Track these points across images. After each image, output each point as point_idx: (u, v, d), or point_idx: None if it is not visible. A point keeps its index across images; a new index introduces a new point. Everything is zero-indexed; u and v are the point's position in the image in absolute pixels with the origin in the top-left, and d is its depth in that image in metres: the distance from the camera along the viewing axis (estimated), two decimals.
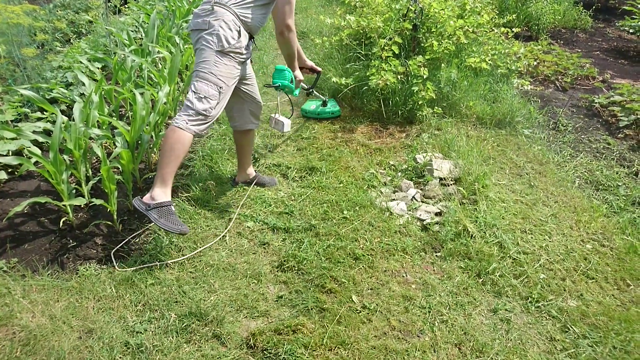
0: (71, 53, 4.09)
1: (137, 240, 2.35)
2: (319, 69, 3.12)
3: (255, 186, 2.82)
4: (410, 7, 3.81)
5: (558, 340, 1.91)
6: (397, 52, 3.72)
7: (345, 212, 2.61)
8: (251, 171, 2.82)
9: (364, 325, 1.92)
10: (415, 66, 3.61)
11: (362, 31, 4.15)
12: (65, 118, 2.71)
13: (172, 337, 1.81)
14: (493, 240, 2.42)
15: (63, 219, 2.40)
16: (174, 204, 2.31)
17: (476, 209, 2.64)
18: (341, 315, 1.94)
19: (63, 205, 2.35)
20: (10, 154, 2.71)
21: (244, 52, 2.31)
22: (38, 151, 2.51)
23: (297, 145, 3.40)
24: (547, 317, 2.02)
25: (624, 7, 6.62)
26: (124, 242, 2.31)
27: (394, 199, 2.79)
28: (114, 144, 2.78)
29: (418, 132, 3.58)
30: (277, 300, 2.03)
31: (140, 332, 1.82)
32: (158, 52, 3.86)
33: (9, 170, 2.77)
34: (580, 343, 1.89)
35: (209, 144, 3.28)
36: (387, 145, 3.44)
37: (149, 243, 2.31)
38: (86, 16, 5.61)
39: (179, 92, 3.57)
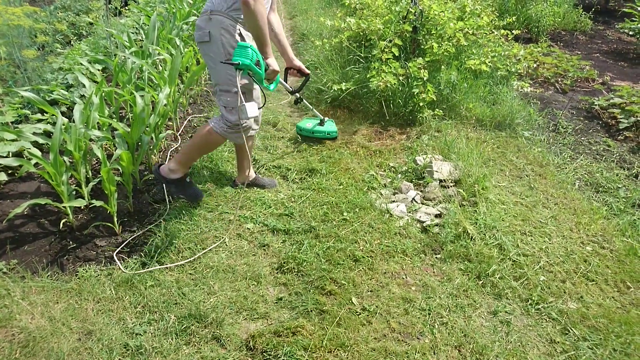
0: (72, 55, 4.09)
1: (137, 241, 2.34)
2: (308, 71, 2.82)
3: (255, 188, 2.82)
4: (410, 9, 3.82)
5: (558, 342, 1.90)
6: (397, 54, 3.73)
7: (345, 213, 2.61)
8: (251, 173, 2.82)
9: (364, 327, 1.92)
10: (415, 68, 3.62)
11: (362, 33, 4.16)
12: (66, 119, 2.71)
13: (172, 339, 1.80)
14: (493, 242, 2.42)
15: (63, 221, 2.39)
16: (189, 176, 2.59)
17: (476, 210, 2.64)
18: (341, 317, 1.94)
19: (63, 206, 2.34)
20: (11, 155, 2.71)
21: None
22: (38, 153, 2.51)
23: (297, 147, 3.40)
24: (547, 320, 2.01)
25: (624, 9, 6.64)
26: (124, 243, 2.31)
27: (393, 201, 2.79)
28: (114, 146, 2.78)
29: (418, 134, 3.58)
30: (276, 302, 2.03)
31: (140, 334, 1.81)
32: (158, 54, 3.86)
33: (9, 172, 2.77)
34: (581, 345, 1.88)
35: None
36: (387, 147, 3.44)
37: (149, 244, 2.31)
38: (87, 18, 5.62)
39: (179, 94, 3.57)
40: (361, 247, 2.37)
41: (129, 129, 2.65)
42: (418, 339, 1.89)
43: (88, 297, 1.97)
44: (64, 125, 2.49)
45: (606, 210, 2.79)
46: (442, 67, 3.86)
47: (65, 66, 3.86)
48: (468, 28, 3.98)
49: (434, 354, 1.82)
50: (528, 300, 2.10)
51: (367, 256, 2.31)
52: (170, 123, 3.56)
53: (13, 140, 2.73)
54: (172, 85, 3.24)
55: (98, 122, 2.75)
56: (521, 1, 6.61)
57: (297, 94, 2.98)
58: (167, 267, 2.17)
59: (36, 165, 2.68)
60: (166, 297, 2.00)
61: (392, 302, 2.05)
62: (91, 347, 1.74)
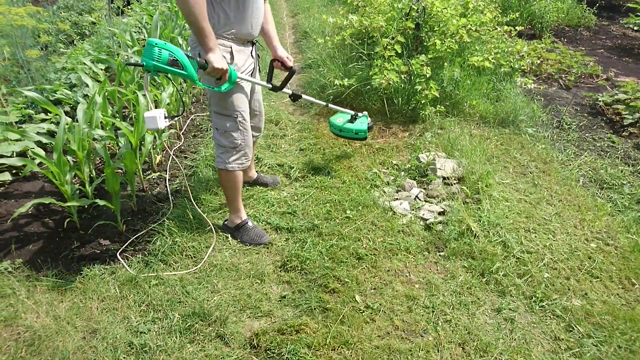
0: (75, 54, 4.11)
1: (140, 240, 2.35)
2: (292, 64, 2.37)
3: (257, 186, 2.82)
4: (412, 6, 3.80)
5: (562, 339, 1.90)
6: (399, 51, 3.71)
7: (348, 211, 2.61)
8: (252, 173, 2.80)
9: (368, 325, 1.92)
10: (418, 65, 3.60)
11: (364, 30, 4.15)
12: (69, 119, 2.73)
13: (176, 337, 1.81)
14: (497, 240, 2.41)
15: (67, 220, 2.40)
16: (249, 218, 2.47)
17: (480, 208, 2.63)
18: (344, 315, 1.94)
19: (67, 206, 2.36)
20: (15, 155, 2.73)
21: (245, 69, 2.15)
22: (42, 152, 2.52)
23: (299, 145, 3.40)
24: (552, 317, 2.01)
25: (628, 4, 6.58)
26: (127, 242, 2.32)
27: (397, 199, 2.79)
28: (118, 145, 2.79)
29: (421, 131, 3.57)
30: (280, 300, 2.03)
31: (144, 332, 1.82)
32: None
33: (13, 172, 2.79)
34: (585, 342, 1.88)
35: (212, 144, 3.28)
36: (390, 144, 3.43)
37: (152, 243, 2.32)
38: (89, 17, 5.63)
39: (182, 93, 3.58)
40: (364, 245, 2.37)
41: (132, 129, 2.66)
42: (422, 336, 1.88)
43: (92, 296, 1.98)
44: (67, 124, 2.51)
45: (611, 206, 2.77)
46: (445, 64, 3.84)
47: (68, 66, 3.88)
48: (471, 24, 3.96)
49: (438, 351, 1.82)
50: (532, 298, 2.09)
51: (371, 254, 2.31)
52: (174, 122, 3.56)
53: (17, 140, 2.74)
54: (175, 84, 3.24)
55: (101, 122, 2.75)
56: None
57: (286, 90, 2.43)
58: (172, 268, 2.18)
59: (40, 164, 2.70)
60: (170, 295, 2.01)
61: (395, 300, 2.05)
62: (96, 345, 1.75)
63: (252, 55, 2.21)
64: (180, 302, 1.98)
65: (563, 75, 4.87)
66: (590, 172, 3.16)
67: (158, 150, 3.05)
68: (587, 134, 3.70)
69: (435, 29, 3.93)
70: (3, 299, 1.90)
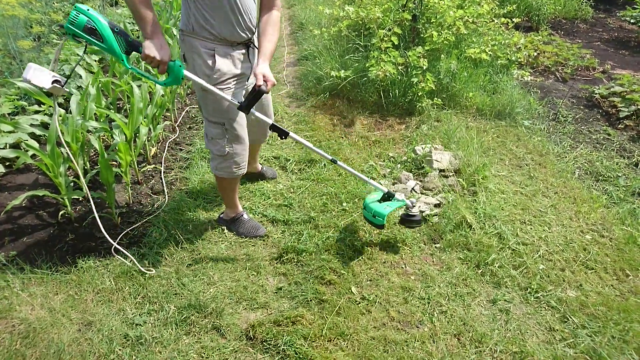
0: (68, 45, 4.05)
1: (136, 232, 2.34)
2: (260, 82, 1.86)
3: (255, 179, 2.81)
4: None
5: (557, 330, 1.91)
6: (396, 43, 3.69)
7: (344, 204, 2.61)
8: (257, 166, 2.78)
9: (363, 316, 1.92)
10: (414, 57, 3.58)
11: (361, 22, 4.12)
12: (63, 111, 2.70)
13: (172, 329, 1.81)
14: (492, 232, 2.42)
15: (61, 212, 2.39)
16: (244, 212, 2.44)
17: (476, 200, 2.64)
18: (340, 306, 1.94)
19: (61, 198, 2.34)
20: (8, 147, 2.70)
21: (230, 75, 1.95)
22: (35, 144, 2.50)
23: None
24: (546, 308, 2.02)
25: None
26: (122, 234, 2.31)
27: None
28: (112, 137, 2.77)
29: (417, 123, 3.56)
30: (276, 292, 2.03)
31: (140, 324, 1.82)
32: None
33: (7, 164, 2.76)
34: (579, 333, 1.89)
35: None
36: (387, 137, 3.42)
37: (147, 236, 2.30)
38: None
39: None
40: (360, 237, 2.37)
41: (127, 120, 2.63)
42: (417, 327, 1.89)
43: (87, 288, 1.97)
44: (60, 116, 2.48)
45: (606, 198, 2.78)
46: (442, 55, 3.83)
47: (61, 57, 3.83)
48: (468, 16, 3.94)
49: (434, 342, 1.83)
50: (527, 289, 2.10)
51: (367, 246, 2.31)
52: (168, 114, 3.53)
53: (10, 132, 2.71)
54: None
55: (95, 113, 2.73)
56: None
57: (257, 114, 2.01)
58: (168, 260, 2.17)
59: (33, 156, 2.67)
60: (166, 287, 2.00)
61: (391, 291, 2.05)
62: (91, 337, 1.75)
63: (248, 59, 2.02)
64: (176, 294, 1.97)
65: (560, 68, 4.86)
66: (585, 164, 3.17)
67: (153, 142, 3.02)
68: (583, 127, 3.71)
69: (432, 21, 3.91)
70: None
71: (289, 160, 3.04)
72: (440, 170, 2.93)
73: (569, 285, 2.14)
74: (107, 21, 1.70)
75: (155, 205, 2.55)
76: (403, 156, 3.15)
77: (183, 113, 3.67)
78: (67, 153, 2.56)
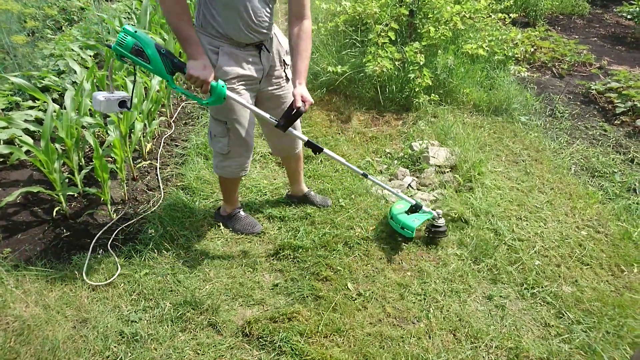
0: (62, 40, 4.02)
1: (131, 229, 2.33)
2: (299, 104, 1.84)
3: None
4: None
5: (552, 326, 1.92)
6: (393, 38, 3.68)
7: (341, 200, 2.60)
8: (302, 188, 2.56)
9: (360, 312, 1.92)
10: (411, 52, 3.57)
11: (358, 17, 4.10)
12: (57, 106, 2.67)
13: (167, 326, 1.80)
14: (488, 227, 2.42)
15: (56, 209, 2.37)
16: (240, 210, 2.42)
17: (472, 196, 2.64)
18: (336, 302, 1.94)
19: (56, 194, 2.32)
20: (2, 142, 2.68)
21: (233, 75, 1.89)
22: (30, 140, 2.47)
23: None
24: (542, 303, 2.03)
25: None
26: (117, 230, 2.30)
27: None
28: (107, 133, 2.75)
29: (414, 119, 3.56)
30: (272, 289, 2.03)
31: (135, 321, 1.81)
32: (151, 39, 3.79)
33: (0, 160, 2.74)
34: (575, 328, 1.90)
35: (203, 133, 3.25)
36: (384, 133, 3.42)
37: (143, 232, 2.29)
38: (78, 3, 5.50)
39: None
40: (357, 233, 2.36)
41: (122, 116, 2.61)
42: (413, 323, 1.89)
43: (82, 285, 1.96)
44: (55, 112, 2.45)
45: (602, 194, 2.79)
46: (439, 51, 3.82)
47: (56, 52, 3.79)
48: (465, 12, 3.92)
49: (429, 338, 1.83)
50: (523, 285, 2.11)
51: (363, 242, 2.31)
52: (164, 110, 3.51)
53: (4, 128, 2.68)
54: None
55: (90, 109, 2.70)
56: None
57: (294, 131, 2.00)
58: (163, 257, 2.16)
59: (28, 152, 2.65)
60: (161, 284, 1.99)
61: (387, 288, 2.05)
62: (86, 334, 1.74)
63: (260, 61, 1.96)
64: (171, 290, 1.97)
65: (556, 64, 4.86)
66: (582, 160, 3.17)
67: (148, 138, 3.00)
68: (579, 122, 3.71)
69: (429, 16, 3.89)
70: None
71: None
72: (437, 166, 2.93)
73: (565, 281, 2.15)
74: (153, 43, 1.73)
75: (151, 202, 2.54)
76: (400, 152, 3.15)
77: (179, 109, 3.64)
78: (61, 149, 2.55)
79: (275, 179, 2.82)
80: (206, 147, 3.04)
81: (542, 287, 2.10)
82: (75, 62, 3.24)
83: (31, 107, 3.08)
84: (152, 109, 2.96)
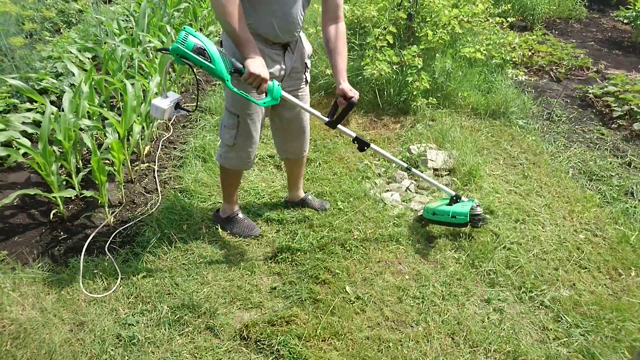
0: (61, 43, 4.01)
1: (129, 232, 2.32)
2: (352, 94, 1.96)
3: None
4: None
5: (551, 329, 1.92)
6: (391, 41, 3.69)
7: (339, 203, 2.60)
8: (299, 193, 2.56)
9: (358, 315, 1.92)
10: (409, 56, 3.58)
11: (356, 20, 4.11)
12: (55, 109, 2.67)
13: (165, 329, 1.79)
14: (486, 231, 2.42)
15: (53, 211, 2.36)
16: (237, 211, 2.41)
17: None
18: (335, 306, 1.94)
19: (53, 197, 2.31)
20: None
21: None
22: (27, 142, 2.47)
23: None
24: (540, 307, 2.03)
25: None
26: (115, 233, 2.29)
27: (388, 190, 2.78)
28: (105, 135, 2.74)
29: (412, 122, 3.56)
30: (270, 292, 2.02)
31: (132, 325, 1.80)
32: (149, 41, 3.80)
33: None
34: (573, 332, 1.90)
35: (201, 135, 3.25)
36: (382, 136, 3.42)
37: (140, 235, 2.29)
38: (76, 5, 5.50)
39: (170, 83, 3.52)
40: (355, 236, 2.36)
41: (120, 118, 2.61)
42: (412, 327, 1.89)
43: (79, 288, 1.95)
44: (53, 114, 2.45)
45: (599, 198, 2.80)
46: (437, 55, 3.83)
47: (54, 54, 3.79)
48: (463, 15, 3.94)
49: (428, 341, 1.83)
50: (521, 288, 2.11)
51: (361, 245, 2.30)
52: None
53: (1, 130, 2.67)
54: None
55: (88, 111, 2.70)
56: None
57: (342, 128, 2.08)
58: (161, 260, 2.15)
59: (25, 155, 2.64)
60: (159, 287, 1.99)
61: (386, 291, 2.05)
62: (83, 338, 1.73)
63: (283, 60, 1.96)
64: (169, 293, 1.96)
65: (554, 67, 4.88)
66: (579, 163, 3.18)
67: (146, 140, 3.00)
68: (577, 126, 3.72)
69: (427, 20, 3.91)
70: None
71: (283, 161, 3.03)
72: (435, 170, 2.94)
73: (563, 285, 2.15)
74: (212, 42, 1.70)
75: (149, 204, 2.53)
76: (398, 155, 3.15)
77: None
78: (59, 151, 2.54)
79: (273, 182, 2.81)
80: (204, 150, 3.04)
81: (540, 291, 2.10)
82: (74, 65, 3.24)
83: (29, 110, 3.07)
84: (150, 112, 2.95)
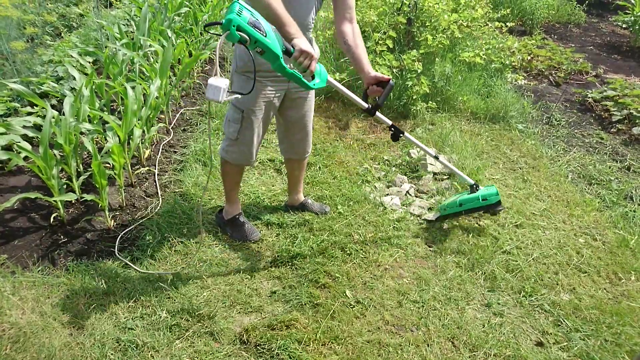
0: (62, 47, 4.03)
1: (129, 235, 2.32)
2: (387, 77, 2.00)
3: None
4: (404, 0, 3.79)
5: (551, 333, 1.92)
6: (391, 46, 3.71)
7: (339, 207, 2.60)
8: (299, 197, 2.57)
9: (358, 320, 1.92)
10: (409, 60, 3.60)
11: None
12: (56, 112, 2.67)
13: (164, 333, 1.79)
14: (486, 235, 2.42)
15: (54, 215, 2.36)
16: (240, 214, 2.41)
17: None
18: (335, 310, 1.94)
19: (54, 200, 2.31)
20: (0, 149, 2.67)
21: (266, 68, 1.84)
22: (28, 146, 2.47)
23: None
24: (540, 311, 2.03)
25: (617, 1, 6.64)
26: (117, 238, 2.29)
27: (388, 194, 2.79)
28: (105, 139, 2.75)
29: (412, 126, 3.57)
30: (270, 296, 2.02)
31: (132, 329, 1.80)
32: (150, 45, 3.81)
33: None
34: (573, 336, 1.90)
35: (201, 139, 3.25)
36: (382, 140, 3.43)
37: (141, 239, 2.29)
38: (77, 9, 5.52)
39: (172, 87, 3.53)
40: (355, 240, 2.36)
41: (120, 122, 2.61)
42: (412, 331, 1.89)
43: (79, 292, 1.95)
44: (53, 118, 2.45)
45: (599, 202, 2.81)
46: (437, 59, 3.85)
47: (55, 58, 3.80)
48: (462, 20, 3.96)
49: (428, 346, 1.82)
50: (521, 292, 2.11)
51: (361, 249, 2.31)
52: (163, 116, 3.52)
53: (2, 134, 2.68)
54: (163, 77, 3.20)
55: (89, 115, 2.70)
56: None
57: (380, 115, 2.14)
58: (161, 264, 2.16)
59: (26, 158, 2.64)
60: (158, 291, 1.98)
61: (385, 295, 2.05)
62: (83, 341, 1.73)
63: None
64: (169, 297, 1.96)
65: (553, 72, 4.90)
66: (579, 168, 3.19)
67: (147, 144, 3.01)
68: (576, 130, 3.73)
69: (427, 24, 3.93)
70: None
71: (284, 163, 3.03)
72: (435, 174, 2.94)
73: (563, 289, 2.15)
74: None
75: (149, 208, 2.54)
76: (398, 159, 3.16)
77: (177, 115, 3.65)
78: (59, 155, 2.55)
79: (273, 186, 2.82)
80: (204, 154, 3.04)
81: (540, 295, 2.10)
82: (75, 69, 3.25)
83: (29, 114, 3.08)
84: (150, 115, 2.96)
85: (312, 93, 2.23)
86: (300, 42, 1.68)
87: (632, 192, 2.90)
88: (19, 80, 3.05)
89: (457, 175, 2.47)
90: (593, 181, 3.05)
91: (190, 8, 4.90)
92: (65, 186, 2.41)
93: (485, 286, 2.14)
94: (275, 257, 2.22)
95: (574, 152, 3.37)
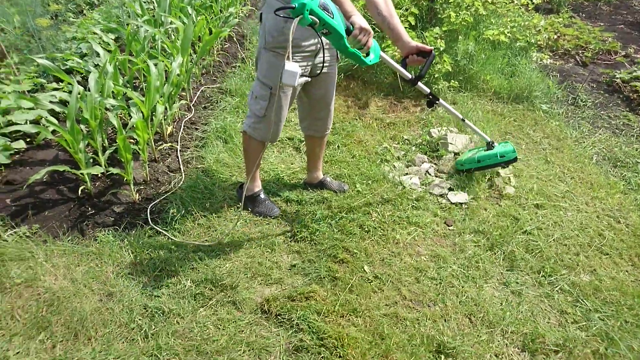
0: (85, 24, 4.07)
1: (153, 209, 2.39)
2: (429, 47, 1.99)
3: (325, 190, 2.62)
4: None
5: (569, 313, 1.92)
6: (413, 23, 3.64)
7: (358, 185, 2.62)
8: (318, 175, 2.58)
9: (375, 294, 1.95)
10: (431, 38, 3.53)
11: None
12: (81, 88, 2.73)
13: (189, 302, 1.86)
14: (506, 215, 2.41)
15: (81, 188, 2.44)
16: (260, 190, 2.46)
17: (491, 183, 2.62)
18: (353, 284, 1.97)
19: (81, 173, 2.39)
20: (28, 123, 2.75)
21: (295, 43, 1.90)
22: (55, 121, 2.54)
23: None
24: (559, 291, 2.02)
25: None
26: (149, 207, 2.36)
27: (407, 173, 2.78)
28: (129, 115, 2.80)
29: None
30: (290, 269, 2.07)
31: (158, 297, 1.87)
32: (171, 22, 3.82)
33: (27, 140, 2.82)
34: (592, 317, 1.90)
35: (222, 117, 3.28)
36: (402, 119, 3.40)
37: (165, 212, 2.35)
38: None
39: (192, 64, 3.55)
40: (374, 218, 2.38)
41: (143, 98, 2.66)
42: (429, 306, 1.92)
43: (108, 261, 2.02)
44: (79, 93, 2.51)
45: (624, 185, 2.75)
46: (460, 37, 3.76)
47: (78, 35, 3.85)
48: None
49: (445, 321, 1.85)
50: (540, 272, 2.11)
51: (380, 227, 2.32)
52: (184, 93, 3.55)
53: (30, 109, 2.76)
54: (184, 54, 3.21)
55: (113, 91, 2.75)
56: None
57: (420, 84, 2.18)
58: (185, 237, 2.22)
59: (54, 132, 2.72)
60: (183, 261, 2.05)
61: (403, 271, 2.07)
62: (112, 307, 1.81)
63: (318, 34, 1.93)
64: (192, 268, 2.02)
65: (580, 51, 4.75)
66: (604, 150, 3.12)
67: (169, 121, 3.05)
68: (602, 112, 3.63)
69: (450, 1, 3.83)
70: (23, 261, 1.95)
71: (303, 141, 3.05)
72: (455, 154, 2.92)
73: (583, 270, 2.14)
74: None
75: (172, 183, 2.59)
76: (418, 138, 3.14)
77: (198, 92, 3.68)
78: (86, 130, 2.61)
79: (292, 164, 2.84)
80: (225, 131, 3.07)
81: (560, 275, 2.09)
82: (99, 45, 3.29)
83: (55, 89, 3.15)
84: (172, 92, 3.00)
85: (335, 69, 2.22)
86: (360, 19, 1.68)
87: None
88: (45, 56, 3.11)
89: (476, 133, 2.53)
90: (618, 163, 2.98)
91: None
92: (91, 160, 2.47)
93: (504, 265, 2.15)
94: (294, 233, 2.26)
95: (600, 134, 3.29)
